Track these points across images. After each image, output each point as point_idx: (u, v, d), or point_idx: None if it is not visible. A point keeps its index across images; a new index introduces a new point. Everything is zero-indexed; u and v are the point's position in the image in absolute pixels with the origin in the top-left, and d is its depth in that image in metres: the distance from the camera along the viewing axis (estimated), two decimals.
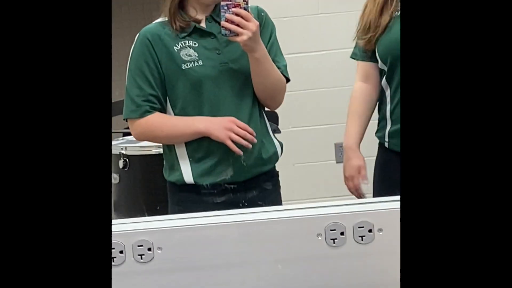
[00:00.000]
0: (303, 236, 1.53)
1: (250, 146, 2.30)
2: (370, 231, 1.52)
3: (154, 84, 2.34)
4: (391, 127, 2.57)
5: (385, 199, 1.55)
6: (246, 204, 2.39)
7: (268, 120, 2.56)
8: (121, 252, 1.52)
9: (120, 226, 1.53)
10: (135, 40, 2.39)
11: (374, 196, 2.67)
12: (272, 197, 2.49)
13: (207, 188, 2.37)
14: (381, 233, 1.52)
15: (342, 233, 1.53)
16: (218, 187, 2.37)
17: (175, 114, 2.38)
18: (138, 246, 1.52)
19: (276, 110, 3.12)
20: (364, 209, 1.53)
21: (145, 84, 2.34)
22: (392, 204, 1.51)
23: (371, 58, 2.65)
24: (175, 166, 2.40)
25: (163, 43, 2.35)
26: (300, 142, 4.61)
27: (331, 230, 1.52)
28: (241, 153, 2.30)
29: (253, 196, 2.42)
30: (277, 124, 3.38)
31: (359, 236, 1.52)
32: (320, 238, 1.52)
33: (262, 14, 2.43)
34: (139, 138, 2.50)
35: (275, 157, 2.48)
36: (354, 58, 2.74)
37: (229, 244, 1.54)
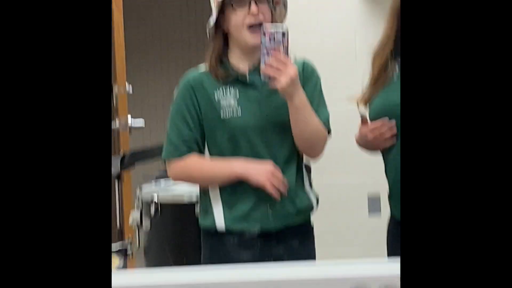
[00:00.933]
0: None
1: (286, 194, 2.31)
2: None
3: (194, 128, 2.37)
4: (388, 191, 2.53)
5: None
6: (278, 255, 2.38)
7: None
8: None
9: (143, 277, 1.53)
10: (179, 85, 2.42)
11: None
12: (305, 251, 2.47)
13: (239, 235, 2.37)
14: None
15: None
16: (249, 234, 2.37)
17: None
18: None
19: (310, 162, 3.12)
20: (390, 271, 1.51)
21: (185, 127, 2.37)
22: None
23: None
24: (208, 210, 2.41)
25: (205, 90, 2.37)
26: (333, 193, 4.59)
27: None
28: (279, 198, 2.30)
29: (285, 247, 2.40)
30: (309, 176, 3.37)
31: None
32: None
33: (308, 66, 2.45)
34: (176, 179, 2.51)
35: (308, 211, 2.47)
36: None
37: None
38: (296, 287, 1.52)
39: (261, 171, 2.31)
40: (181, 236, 3.04)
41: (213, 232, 2.41)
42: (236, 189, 2.36)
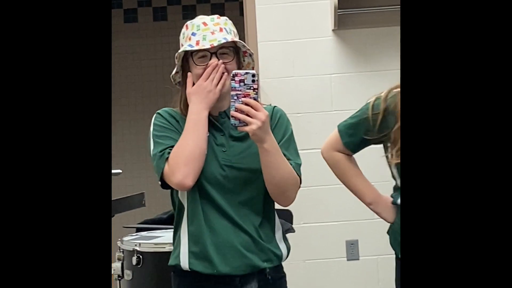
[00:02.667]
0: None
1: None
2: None
3: (174, 137, 2.33)
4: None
5: None
6: None
7: (283, 219, 2.54)
8: None
9: None
10: (153, 118, 2.39)
11: None
12: None
13: (201, 275, 2.34)
14: None
15: None
16: (212, 277, 2.34)
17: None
18: None
19: (289, 206, 3.10)
20: None
21: (165, 139, 2.34)
22: None
23: (358, 151, 2.62)
24: (176, 248, 2.38)
25: (178, 122, 2.38)
26: (311, 238, 4.58)
27: None
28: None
29: None
30: (292, 223, 3.36)
31: None
32: None
33: (278, 112, 2.43)
34: (185, 178, 2.27)
35: (276, 259, 2.42)
36: (345, 145, 2.63)
37: None
38: None
39: (201, 92, 2.31)
40: (164, 286, 3.00)
41: (178, 270, 2.38)
42: (201, 228, 2.33)
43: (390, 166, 2.49)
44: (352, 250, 4.60)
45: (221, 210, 2.33)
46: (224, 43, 2.33)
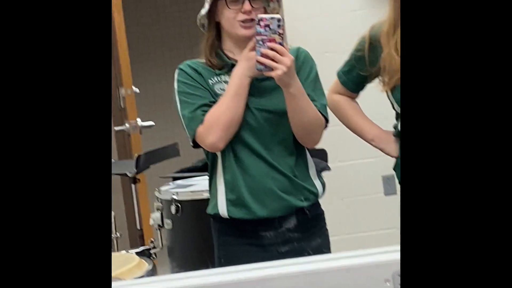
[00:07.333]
0: (370, 283, 1.50)
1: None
2: None
3: (202, 95, 2.35)
4: None
5: None
6: (284, 242, 2.39)
7: (318, 158, 2.54)
8: None
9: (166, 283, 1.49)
10: (176, 74, 2.40)
11: None
12: (315, 237, 2.46)
13: (242, 221, 2.37)
14: None
15: None
16: (251, 221, 2.37)
17: None
18: None
19: (324, 146, 3.09)
20: None
21: (193, 98, 2.35)
22: None
23: (359, 91, 2.64)
24: (213, 195, 2.41)
25: (201, 75, 2.37)
26: (347, 176, 4.58)
27: (399, 275, 1.49)
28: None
29: (291, 234, 2.40)
30: (327, 162, 3.36)
31: None
32: (388, 284, 1.49)
33: (302, 53, 2.43)
34: (218, 142, 2.31)
35: (313, 197, 2.44)
36: (343, 84, 2.65)
37: None
38: (338, 275, 1.50)
39: (245, 61, 2.31)
40: (204, 232, 3.03)
41: (218, 217, 2.41)
42: (236, 175, 2.35)
43: (387, 95, 2.48)
44: (389, 184, 4.60)
45: (256, 153, 2.35)
46: None
